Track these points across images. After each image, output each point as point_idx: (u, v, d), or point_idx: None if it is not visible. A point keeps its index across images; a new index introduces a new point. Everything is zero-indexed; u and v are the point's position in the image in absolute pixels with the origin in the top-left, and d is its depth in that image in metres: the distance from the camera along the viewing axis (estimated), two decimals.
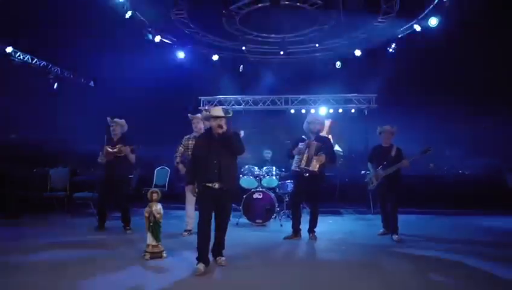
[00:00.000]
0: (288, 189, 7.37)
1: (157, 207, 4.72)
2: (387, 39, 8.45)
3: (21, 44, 9.86)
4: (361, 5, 7.04)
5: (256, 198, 6.91)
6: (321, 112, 10.49)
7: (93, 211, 7.49)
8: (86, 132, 10.04)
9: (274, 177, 7.25)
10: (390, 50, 8.49)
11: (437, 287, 3.75)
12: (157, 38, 8.46)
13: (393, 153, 5.79)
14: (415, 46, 8.11)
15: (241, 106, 9.68)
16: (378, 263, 4.53)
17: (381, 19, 7.74)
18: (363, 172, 9.70)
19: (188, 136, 6.07)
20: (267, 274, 4.11)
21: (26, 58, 10.47)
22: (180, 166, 5.94)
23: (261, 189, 7.02)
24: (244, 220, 6.94)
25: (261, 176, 7.23)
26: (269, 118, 10.37)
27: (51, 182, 7.92)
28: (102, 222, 6.27)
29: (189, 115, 5.98)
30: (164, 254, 4.66)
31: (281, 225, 6.84)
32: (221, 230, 4.45)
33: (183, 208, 6.15)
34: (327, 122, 6.25)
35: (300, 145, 5.74)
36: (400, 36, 8.24)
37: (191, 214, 6.04)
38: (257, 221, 6.85)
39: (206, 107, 9.66)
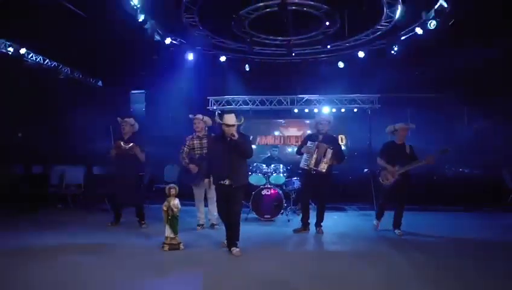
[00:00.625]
0: (295, 186, 7.66)
1: (175, 202, 4.99)
2: (390, 41, 8.68)
3: (33, 45, 10.10)
4: (365, 11, 7.30)
5: (265, 194, 7.18)
6: (324, 111, 10.77)
7: (108, 207, 7.76)
8: (97, 130, 10.38)
9: (281, 175, 7.54)
10: (393, 52, 8.73)
11: (438, 274, 4.04)
12: (168, 41, 8.73)
13: (408, 150, 5.82)
14: (418, 47, 8.35)
15: (249, 106, 9.97)
16: (383, 254, 4.84)
17: (384, 22, 8.00)
18: (365, 170, 10.04)
19: (190, 136, 6.27)
20: (278, 264, 4.40)
21: (38, 59, 10.75)
22: (192, 166, 6.09)
23: (269, 186, 7.30)
24: (253, 215, 7.21)
25: (269, 173, 7.52)
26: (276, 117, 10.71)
27: (66, 179, 8.21)
28: (117, 217, 6.51)
29: (190, 115, 6.26)
30: (181, 246, 4.96)
31: (288, 220, 7.14)
32: (233, 223, 4.87)
33: (192, 205, 6.40)
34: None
35: (310, 144, 6.05)
36: (402, 39, 8.48)
37: (201, 210, 6.34)
38: (265, 216, 7.13)
39: (215, 107, 9.94)
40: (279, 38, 8.84)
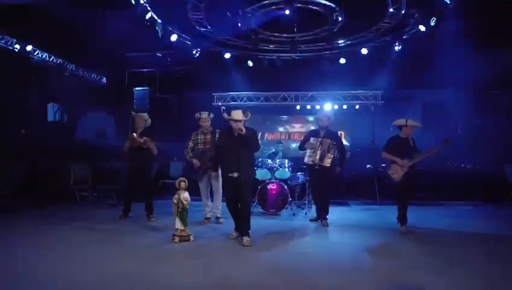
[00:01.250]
0: (299, 181, 7.79)
1: (185, 195, 5.11)
2: (393, 37, 8.77)
3: (39, 42, 10.20)
4: (369, 8, 7.39)
5: (270, 189, 7.30)
6: (326, 108, 10.88)
7: (116, 202, 7.89)
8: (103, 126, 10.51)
9: (287, 169, 7.67)
10: (396, 48, 8.83)
11: (446, 264, 4.17)
12: (174, 37, 8.82)
13: (411, 143, 5.84)
14: (421, 44, 8.45)
15: (253, 102, 10.07)
16: (388, 246, 4.96)
17: (388, 19, 8.09)
18: (368, 166, 10.17)
19: (195, 132, 6.44)
20: (287, 254, 4.53)
21: (44, 56, 10.85)
22: (195, 161, 6.24)
23: (274, 180, 7.42)
24: (258, 209, 7.34)
25: (274, 168, 7.64)
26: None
27: (74, 174, 8.31)
28: (126, 211, 6.62)
29: (196, 114, 6.40)
30: (191, 238, 5.08)
31: (294, 214, 7.27)
32: (244, 213, 5.07)
33: (199, 200, 6.52)
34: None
35: (313, 140, 6.24)
36: (404, 37, 8.58)
37: (207, 203, 6.47)
38: (271, 210, 7.25)
39: (219, 103, 10.04)
40: (284, 35, 8.93)
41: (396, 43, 8.78)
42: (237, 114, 5.05)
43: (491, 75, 8.89)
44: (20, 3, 7.64)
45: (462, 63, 8.64)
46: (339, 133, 7.55)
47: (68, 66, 11.66)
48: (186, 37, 9.21)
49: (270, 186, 7.32)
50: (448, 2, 6.55)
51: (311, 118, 11.01)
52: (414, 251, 4.69)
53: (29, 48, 10.10)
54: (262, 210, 7.31)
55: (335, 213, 7.31)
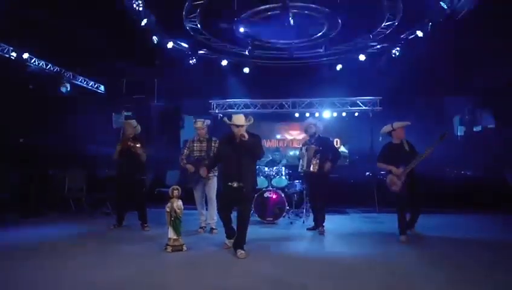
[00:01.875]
0: (297, 189, 7.67)
1: (178, 203, 5.00)
2: (391, 43, 8.71)
3: (35, 49, 10.17)
4: (366, 13, 7.35)
5: (267, 197, 7.19)
6: (324, 116, 10.79)
7: (110, 210, 7.77)
8: (99, 134, 10.42)
9: (283, 177, 7.57)
10: (394, 55, 8.76)
11: (443, 274, 4.03)
12: (170, 45, 8.78)
13: (407, 147, 5.57)
14: (419, 49, 8.38)
15: (250, 109, 9.99)
16: (387, 255, 4.81)
17: (385, 25, 8.04)
18: (367, 173, 10.03)
19: (191, 139, 6.31)
20: (282, 265, 4.39)
21: (41, 64, 10.81)
22: (189, 166, 6.10)
23: (271, 188, 7.31)
24: (255, 218, 7.21)
25: (271, 176, 7.54)
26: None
27: (68, 182, 8.22)
28: (120, 220, 6.52)
29: (193, 120, 6.34)
30: (184, 247, 4.95)
31: (291, 223, 7.15)
32: (242, 225, 4.76)
33: (194, 208, 6.42)
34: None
35: (303, 149, 6.45)
36: (402, 42, 8.52)
37: (202, 212, 6.34)
38: (268, 219, 7.13)
39: (217, 111, 9.96)
40: (280, 41, 8.88)
41: (394, 49, 8.70)
42: (239, 119, 4.74)
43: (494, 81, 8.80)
44: None
45: (463, 68, 8.57)
46: (335, 140, 7.51)
47: (65, 74, 11.63)
48: (183, 44, 9.16)
49: (266, 194, 7.21)
50: (446, 7, 6.49)
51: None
52: (412, 260, 4.56)
53: (25, 55, 10.07)
54: (259, 219, 7.17)
55: (333, 221, 7.26)
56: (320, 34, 8.38)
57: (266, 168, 7.69)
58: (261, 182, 7.53)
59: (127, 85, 11.57)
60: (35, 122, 10.33)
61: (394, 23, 7.80)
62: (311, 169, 6.12)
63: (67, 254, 4.81)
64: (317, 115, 10.92)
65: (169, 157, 9.15)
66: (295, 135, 11.30)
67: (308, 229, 6.47)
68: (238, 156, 4.70)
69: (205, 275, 3.98)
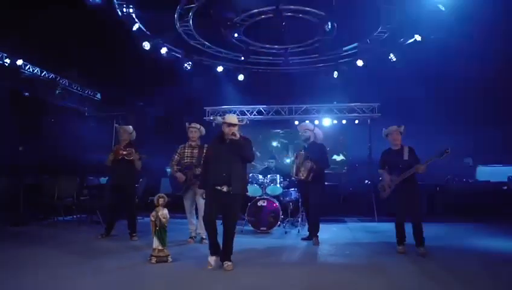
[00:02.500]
0: (292, 197, 7.45)
1: (164, 212, 4.81)
2: (389, 48, 8.54)
3: (30, 57, 10.07)
4: (362, 17, 7.19)
5: (261, 206, 6.97)
6: (325, 123, 10.57)
7: (101, 219, 7.56)
8: (94, 142, 10.26)
9: (278, 185, 7.33)
10: (392, 59, 8.59)
11: (442, 287, 3.78)
12: (163, 50, 8.65)
13: (405, 155, 5.19)
14: (417, 54, 8.21)
15: (246, 116, 9.80)
16: (382, 266, 4.58)
17: (382, 29, 7.88)
18: (366, 181, 9.79)
19: (182, 145, 6.12)
20: (271, 277, 4.16)
21: (35, 71, 10.71)
22: (179, 174, 5.93)
23: (265, 197, 7.09)
24: (248, 227, 6.99)
25: (266, 184, 7.31)
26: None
27: (59, 190, 8.03)
28: (109, 229, 6.34)
29: (186, 123, 6.10)
30: (170, 259, 4.73)
31: (286, 232, 6.90)
32: (229, 235, 4.46)
33: (185, 217, 6.21)
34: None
35: (296, 155, 6.32)
36: (401, 46, 8.35)
37: (192, 221, 6.12)
38: (262, 228, 6.89)
39: (211, 117, 9.78)
40: (275, 46, 8.73)
41: (393, 54, 8.52)
42: (232, 118, 4.49)
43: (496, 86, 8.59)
44: None
45: (467, 73, 8.36)
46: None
47: (61, 81, 11.53)
48: (177, 50, 9.02)
49: (260, 203, 7.00)
50: (443, 9, 6.31)
51: None
52: (409, 272, 4.31)
53: (19, 62, 9.97)
54: (252, 228, 6.93)
55: (330, 231, 7.06)
56: (314, 39, 8.20)
57: (260, 176, 7.45)
58: (255, 190, 7.31)
59: (123, 92, 11.45)
60: (28, 129, 10.21)
61: (391, 27, 7.61)
62: (301, 177, 5.94)
63: (46, 264, 4.60)
64: (316, 122, 10.70)
65: (163, 164, 8.95)
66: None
67: (302, 239, 6.22)
68: (228, 158, 4.38)
69: (187, 288, 3.74)
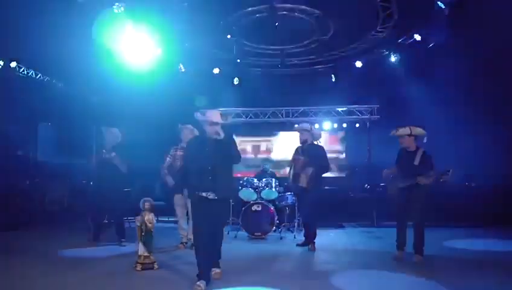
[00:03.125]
0: (288, 201, 7.21)
1: (149, 216, 4.61)
2: (388, 48, 8.35)
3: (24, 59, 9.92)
4: (360, 15, 6.99)
5: (255, 210, 6.77)
6: (325, 127, 10.34)
7: (91, 224, 7.37)
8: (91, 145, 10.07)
9: (274, 189, 7.10)
10: (392, 60, 8.38)
11: None
12: (158, 51, 8.45)
13: (417, 161, 4.80)
14: (418, 55, 8.01)
15: (242, 119, 9.59)
16: (375, 275, 4.35)
17: (380, 28, 7.67)
18: (366, 185, 9.54)
19: (175, 146, 5.94)
20: (260, 285, 3.92)
21: (30, 74, 10.56)
22: (169, 178, 5.77)
23: (260, 201, 6.87)
24: (242, 233, 6.77)
25: (260, 188, 7.09)
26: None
27: (50, 194, 7.86)
28: (96, 234, 6.18)
29: (179, 125, 5.88)
30: (156, 265, 4.53)
31: (281, 238, 6.68)
32: (217, 239, 4.13)
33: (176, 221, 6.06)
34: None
35: (293, 158, 5.92)
36: (400, 45, 8.14)
37: (183, 227, 5.92)
38: (256, 234, 6.68)
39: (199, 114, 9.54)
40: (271, 47, 8.53)
41: (392, 54, 8.31)
42: (214, 115, 3.91)
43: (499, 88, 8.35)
44: None
45: (469, 74, 8.14)
46: None
47: (56, 84, 11.36)
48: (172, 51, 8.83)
49: (254, 207, 6.78)
50: (444, 7, 6.10)
51: None
52: (404, 282, 4.08)
53: (13, 64, 9.81)
54: (246, 234, 6.71)
55: (327, 236, 6.87)
56: (311, 39, 8.00)
57: (255, 180, 7.22)
58: (250, 194, 7.10)
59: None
60: (23, 132, 10.05)
61: (389, 26, 7.40)
62: (300, 184, 5.61)
63: (24, 274, 4.36)
64: (317, 126, 10.49)
65: (158, 168, 8.72)
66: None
67: (297, 245, 5.97)
68: (212, 160, 3.86)
69: None
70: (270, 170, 8.13)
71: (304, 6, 6.66)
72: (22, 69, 9.97)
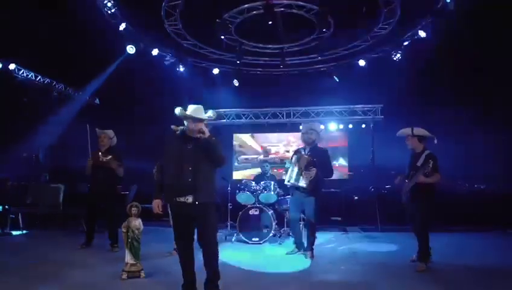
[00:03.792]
0: (289, 205, 6.93)
1: (136, 222, 4.43)
2: (392, 47, 8.05)
3: (24, 61, 9.86)
4: (361, 11, 6.70)
5: (253, 215, 6.53)
6: (331, 128, 10.04)
7: (85, 228, 7.21)
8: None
9: (272, 193, 6.83)
10: (395, 58, 8.08)
11: None
12: (155, 52, 8.32)
13: (420, 161, 4.66)
14: (422, 53, 7.69)
15: (242, 120, 9.35)
16: (377, 285, 4.07)
17: (383, 24, 7.38)
18: (371, 188, 9.22)
19: None
20: None
21: (30, 76, 10.48)
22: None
23: (258, 205, 6.62)
24: (240, 237, 6.53)
25: (259, 192, 6.83)
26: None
27: (45, 197, 7.72)
28: (89, 239, 6.02)
29: (172, 126, 5.65)
30: (142, 274, 4.32)
31: (280, 243, 6.41)
32: (209, 256, 3.51)
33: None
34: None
35: (294, 158, 5.53)
36: (405, 44, 7.84)
37: None
38: (253, 239, 6.43)
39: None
40: (269, 46, 8.30)
41: (396, 52, 8.01)
42: (197, 110, 3.53)
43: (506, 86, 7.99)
44: None
45: (475, 72, 7.81)
46: None
47: (57, 86, 11.28)
48: (168, 51, 8.68)
49: (252, 211, 6.54)
50: (448, 0, 5.80)
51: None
52: None
53: (12, 66, 9.75)
54: (244, 239, 6.46)
55: (329, 241, 6.64)
56: (312, 36, 7.73)
57: (253, 183, 6.97)
58: (248, 198, 6.85)
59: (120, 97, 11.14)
60: (23, 133, 9.97)
61: (392, 22, 7.11)
62: (300, 184, 5.26)
63: (8, 281, 4.17)
64: (322, 127, 10.18)
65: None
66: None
67: (287, 253, 5.58)
68: (193, 161, 3.46)
69: None
70: (270, 172, 7.82)
71: (301, 3, 6.40)
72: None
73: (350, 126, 10.06)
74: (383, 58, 8.37)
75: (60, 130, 10.73)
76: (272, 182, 6.99)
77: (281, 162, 9.32)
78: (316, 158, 5.27)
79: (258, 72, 9.29)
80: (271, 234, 6.47)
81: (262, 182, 6.97)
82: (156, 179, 3.86)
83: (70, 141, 9.34)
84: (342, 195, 9.01)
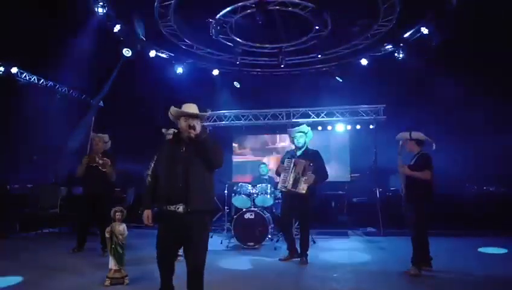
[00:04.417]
0: (280, 210, 6.75)
1: (120, 227, 4.33)
2: (394, 45, 7.81)
3: (26, 64, 9.90)
4: (358, 7, 6.49)
5: (248, 218, 6.37)
6: (338, 129, 9.80)
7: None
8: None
9: (269, 196, 6.67)
10: (399, 56, 7.83)
11: None
12: (152, 53, 8.24)
13: (412, 161, 4.73)
14: (425, 52, 7.44)
15: (241, 121, 9.20)
16: None
17: (383, 22, 7.15)
18: (374, 189, 8.95)
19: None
20: None
21: (32, 79, 10.53)
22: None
23: (253, 209, 6.47)
24: (235, 242, 6.39)
25: (255, 195, 6.67)
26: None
27: (42, 200, 7.70)
28: (80, 242, 5.96)
29: (163, 129, 5.54)
30: (126, 280, 4.22)
31: (275, 248, 6.25)
32: (195, 277, 3.20)
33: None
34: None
35: (286, 162, 5.38)
36: (408, 42, 7.59)
37: None
38: (249, 243, 6.28)
39: (205, 123, 9.27)
40: (267, 46, 8.14)
41: (398, 51, 7.77)
42: (190, 107, 3.31)
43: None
44: None
45: (480, 71, 7.52)
46: None
47: (60, 89, 11.32)
48: (166, 52, 8.60)
49: (247, 215, 6.39)
50: None
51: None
52: None
53: (14, 70, 9.80)
54: (238, 243, 6.32)
55: (329, 246, 6.44)
56: (309, 35, 7.54)
57: (249, 186, 6.81)
58: (243, 201, 6.71)
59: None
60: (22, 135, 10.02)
61: (392, 18, 6.87)
62: (299, 190, 5.10)
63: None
64: (329, 128, 9.99)
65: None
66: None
67: (280, 259, 5.41)
68: (186, 163, 3.17)
69: None
70: (269, 175, 7.66)
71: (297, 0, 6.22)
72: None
73: (349, 127, 9.83)
74: (385, 57, 8.14)
75: (64, 132, 10.84)
76: (269, 185, 6.82)
77: None
78: (311, 162, 5.14)
79: (258, 73, 9.13)
80: (267, 238, 6.34)
81: (258, 185, 6.81)
82: (148, 186, 3.66)
83: (72, 143, 9.40)
84: (343, 197, 8.78)
